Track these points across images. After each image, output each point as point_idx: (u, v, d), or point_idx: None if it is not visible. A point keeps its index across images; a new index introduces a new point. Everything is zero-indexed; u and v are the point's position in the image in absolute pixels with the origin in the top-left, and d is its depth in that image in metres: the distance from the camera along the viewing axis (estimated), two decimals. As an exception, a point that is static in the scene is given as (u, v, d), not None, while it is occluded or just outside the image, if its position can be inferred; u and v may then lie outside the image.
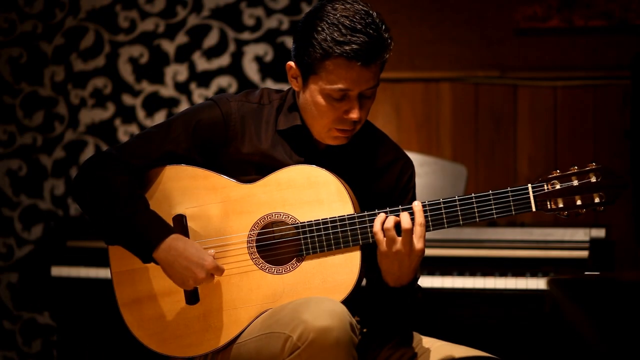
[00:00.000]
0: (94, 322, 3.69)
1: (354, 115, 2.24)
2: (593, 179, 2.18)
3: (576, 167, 2.19)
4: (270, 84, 4.29)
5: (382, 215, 2.21)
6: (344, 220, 2.23)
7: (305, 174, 2.26)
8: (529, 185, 2.20)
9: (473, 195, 2.21)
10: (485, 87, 4.10)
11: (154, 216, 2.26)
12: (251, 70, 4.33)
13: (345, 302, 2.17)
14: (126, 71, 4.40)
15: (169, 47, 4.37)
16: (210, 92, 4.35)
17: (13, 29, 4.44)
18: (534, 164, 4.04)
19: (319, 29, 2.20)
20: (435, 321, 3.23)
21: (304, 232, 2.24)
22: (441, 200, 2.22)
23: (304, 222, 2.24)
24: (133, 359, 3.07)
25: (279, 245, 2.27)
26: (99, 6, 4.40)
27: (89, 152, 4.39)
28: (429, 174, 3.67)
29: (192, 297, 2.28)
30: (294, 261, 2.25)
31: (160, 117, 4.36)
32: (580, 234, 3.29)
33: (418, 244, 2.19)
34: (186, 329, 2.28)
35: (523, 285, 3.19)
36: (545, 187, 2.19)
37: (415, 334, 2.38)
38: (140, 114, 4.39)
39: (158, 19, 4.38)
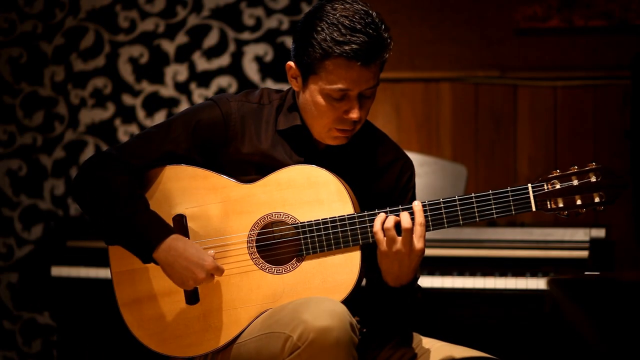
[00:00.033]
0: (94, 322, 3.69)
1: (354, 115, 2.24)
2: (593, 179, 2.17)
3: (576, 167, 2.19)
4: (270, 84, 4.29)
5: (382, 215, 2.21)
6: (344, 220, 2.23)
7: (305, 174, 2.26)
8: (529, 185, 2.20)
9: (473, 195, 2.21)
10: (485, 87, 4.10)
11: (154, 216, 2.26)
12: (251, 70, 4.33)
13: (345, 302, 2.17)
14: (126, 71, 4.40)
15: (169, 47, 4.37)
16: (210, 92, 4.35)
17: (13, 29, 4.44)
18: (534, 164, 4.04)
19: (319, 29, 2.20)
20: (435, 321, 3.23)
21: (304, 232, 2.24)
22: (441, 200, 2.22)
23: (304, 222, 2.24)
24: (133, 359, 3.07)
25: (279, 245, 2.27)
26: (99, 6, 4.40)
27: (89, 152, 4.39)
28: (429, 174, 3.67)
29: (192, 297, 2.28)
30: (294, 261, 2.25)
31: (160, 117, 4.36)
32: (580, 234, 3.29)
33: (418, 243, 2.19)
34: (186, 329, 2.28)
35: (523, 285, 3.19)
36: (545, 187, 2.19)
37: (415, 335, 2.38)
38: (140, 114, 4.39)
39: (158, 19, 4.38)
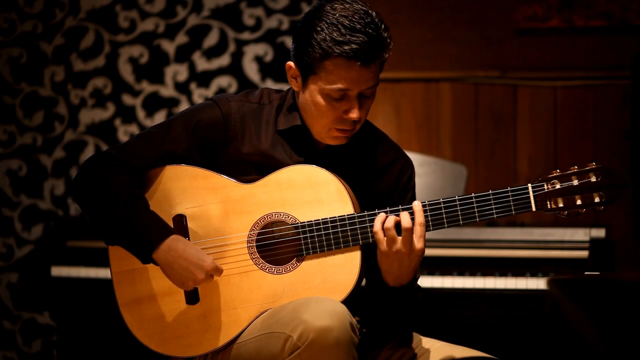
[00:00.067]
0: (94, 322, 3.69)
1: (354, 115, 2.24)
2: (593, 179, 2.17)
3: (576, 167, 2.19)
4: (270, 84, 4.29)
5: (382, 215, 2.21)
6: (344, 220, 2.23)
7: (305, 174, 2.26)
8: (529, 185, 2.20)
9: (473, 195, 2.21)
10: (485, 87, 4.10)
11: (153, 217, 2.26)
12: (251, 70, 4.33)
13: (345, 302, 2.17)
14: (126, 71, 4.40)
15: (169, 47, 4.37)
16: (210, 92, 4.35)
17: (13, 29, 4.44)
18: (534, 164, 4.04)
19: (318, 29, 2.20)
20: (435, 321, 3.23)
21: (304, 232, 2.24)
22: (441, 200, 2.22)
23: (304, 222, 2.24)
24: (133, 359, 3.07)
25: (279, 245, 2.27)
26: (99, 6, 4.40)
27: (89, 152, 4.39)
28: (429, 174, 3.67)
29: (192, 297, 2.28)
30: (294, 261, 2.25)
31: (160, 117, 4.36)
32: (580, 234, 3.29)
33: (418, 243, 2.19)
34: (186, 329, 2.28)
35: (523, 285, 3.19)
36: (545, 187, 2.19)
37: (415, 335, 2.38)
38: (140, 114, 4.39)
39: (158, 19, 4.38)
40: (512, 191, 2.20)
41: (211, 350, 2.27)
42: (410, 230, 2.19)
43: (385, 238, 2.19)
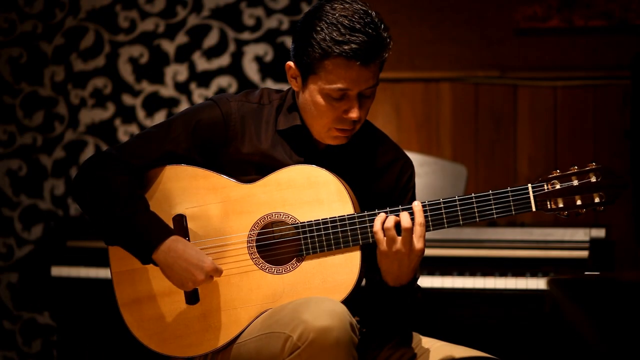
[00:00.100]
0: (94, 322, 3.69)
1: (354, 114, 2.24)
2: (593, 179, 2.17)
3: (576, 167, 2.19)
4: (270, 84, 4.29)
5: (382, 215, 2.21)
6: (344, 220, 2.23)
7: (305, 174, 2.26)
8: (529, 185, 2.20)
9: (473, 195, 2.21)
10: (485, 87, 4.10)
11: (153, 217, 2.26)
12: (251, 70, 4.33)
13: (345, 302, 2.17)
14: (126, 71, 4.40)
15: (169, 47, 4.37)
16: (210, 92, 4.35)
17: (13, 29, 4.44)
18: (534, 164, 4.04)
19: (318, 28, 2.20)
20: (435, 321, 3.23)
21: (304, 232, 2.24)
22: (441, 200, 2.22)
23: (304, 222, 2.24)
24: (133, 359, 3.07)
25: (279, 245, 2.27)
26: (99, 6, 4.40)
27: (89, 152, 4.39)
28: (429, 174, 3.67)
29: (192, 297, 2.28)
30: (294, 261, 2.25)
31: (160, 117, 4.36)
32: (580, 234, 3.29)
33: (418, 243, 2.19)
34: (186, 329, 2.28)
35: (523, 285, 3.19)
36: (545, 187, 2.19)
37: (415, 334, 2.38)
38: (140, 114, 4.39)
39: (158, 19, 4.38)
40: (512, 191, 2.20)
41: (211, 350, 2.27)
42: (410, 231, 2.19)
43: (385, 238, 2.19)
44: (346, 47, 2.18)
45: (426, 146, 4.10)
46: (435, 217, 2.22)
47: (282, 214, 2.26)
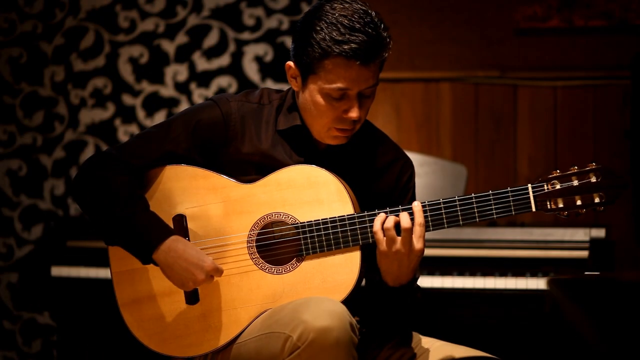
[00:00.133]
0: (94, 322, 3.69)
1: (354, 114, 2.24)
2: (593, 179, 2.17)
3: (576, 167, 2.19)
4: (270, 84, 4.29)
5: (382, 215, 2.21)
6: (343, 220, 2.23)
7: (305, 174, 2.26)
8: (529, 185, 2.20)
9: (473, 195, 2.21)
10: (485, 87, 4.10)
11: (153, 217, 2.26)
12: (251, 70, 4.33)
13: (345, 302, 2.17)
14: (126, 71, 4.40)
15: (169, 47, 4.37)
16: (210, 92, 4.35)
17: (13, 29, 4.44)
18: (534, 164, 4.04)
19: (318, 28, 2.20)
20: (435, 321, 3.23)
21: (304, 232, 2.24)
22: (441, 200, 2.22)
23: (304, 222, 2.24)
24: (133, 359, 3.07)
25: (279, 245, 2.27)
26: (99, 6, 4.40)
27: (89, 152, 4.39)
28: (429, 174, 3.67)
29: (192, 297, 2.28)
30: (293, 261, 2.25)
31: (160, 117, 4.36)
32: (580, 234, 3.29)
33: (417, 244, 2.19)
34: (186, 329, 2.28)
35: (523, 285, 3.19)
36: (545, 187, 2.19)
37: (415, 334, 2.38)
38: (140, 114, 4.39)
39: (158, 19, 4.38)
40: (512, 191, 2.20)
41: (211, 350, 2.27)
42: (410, 231, 2.19)
43: (384, 238, 2.19)
44: (346, 47, 2.18)
45: (426, 146, 4.10)
46: (435, 217, 2.22)
47: (282, 214, 2.26)
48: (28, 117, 4.42)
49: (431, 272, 3.31)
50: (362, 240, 2.22)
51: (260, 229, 2.27)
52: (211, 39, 4.35)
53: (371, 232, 2.21)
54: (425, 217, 2.21)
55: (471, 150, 4.09)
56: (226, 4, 4.34)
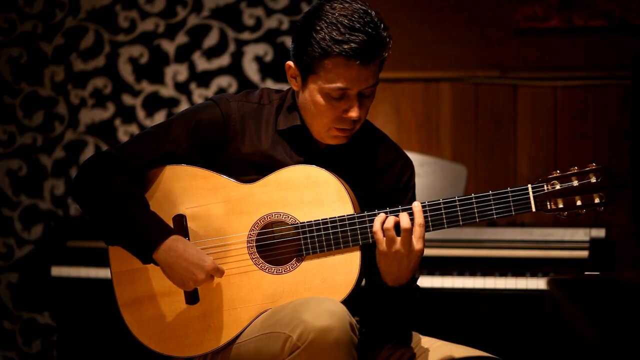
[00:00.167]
0: (94, 322, 3.69)
1: (354, 114, 2.24)
2: (593, 180, 2.17)
3: (576, 168, 2.19)
4: (270, 84, 4.29)
5: (382, 215, 2.21)
6: (343, 220, 2.23)
7: (305, 174, 2.26)
8: (529, 185, 2.19)
9: (473, 195, 2.21)
10: (485, 87, 4.10)
11: (153, 217, 2.26)
12: (251, 70, 4.33)
13: (345, 302, 2.17)
14: (126, 71, 4.40)
15: (169, 47, 4.37)
16: (210, 92, 4.35)
17: (13, 29, 4.44)
18: (534, 164, 4.04)
19: (318, 28, 2.20)
20: (435, 321, 3.23)
21: (304, 232, 2.24)
22: (441, 200, 2.22)
23: (304, 222, 2.24)
24: (133, 359, 3.07)
25: (279, 245, 2.27)
26: (99, 6, 4.40)
27: (89, 152, 4.39)
28: (429, 174, 3.67)
29: (192, 297, 2.28)
30: (293, 261, 2.25)
31: (160, 117, 4.36)
32: (580, 234, 3.29)
33: (417, 244, 2.19)
34: (186, 329, 2.28)
35: (523, 285, 3.19)
36: (545, 188, 2.19)
37: (415, 334, 2.38)
38: (140, 114, 4.39)
39: (158, 19, 4.38)
40: (512, 192, 2.20)
41: (211, 350, 2.27)
42: (410, 231, 2.19)
43: (384, 238, 2.19)
44: (346, 47, 2.18)
45: (426, 146, 4.10)
46: (435, 217, 2.22)
47: (282, 214, 2.26)
48: (28, 117, 4.43)
49: (431, 272, 3.31)
50: (362, 240, 2.22)
51: (260, 229, 2.27)
52: (211, 39, 4.35)
53: (371, 232, 2.21)
54: (425, 217, 2.21)
55: (471, 150, 4.09)
56: (226, 4, 4.34)
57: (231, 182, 2.29)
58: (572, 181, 2.18)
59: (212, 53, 4.35)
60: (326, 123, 2.26)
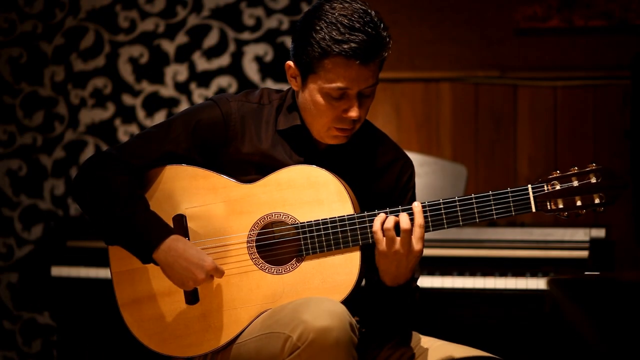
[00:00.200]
0: (94, 322, 3.69)
1: (353, 113, 2.24)
2: (593, 180, 2.17)
3: (576, 168, 2.19)
4: (270, 84, 4.29)
5: (382, 215, 2.21)
6: (343, 220, 2.23)
7: (305, 174, 2.26)
8: (529, 185, 2.20)
9: (473, 195, 2.21)
10: (485, 87, 4.10)
11: (153, 217, 2.26)
12: (251, 70, 4.33)
13: (345, 302, 2.17)
14: (126, 71, 4.40)
15: (169, 47, 4.37)
16: (210, 92, 4.35)
17: (13, 29, 4.44)
18: (534, 164, 4.04)
19: (318, 28, 2.21)
20: (435, 321, 3.23)
21: (304, 232, 2.24)
22: (441, 200, 2.22)
23: (304, 222, 2.24)
24: (133, 359, 3.07)
25: (279, 245, 2.27)
26: (99, 6, 4.40)
27: (89, 152, 4.39)
28: (429, 174, 3.67)
29: (191, 297, 2.28)
30: (293, 261, 2.25)
31: (160, 117, 4.36)
32: (580, 234, 3.29)
33: (417, 245, 2.19)
34: (186, 329, 2.28)
35: (523, 285, 3.19)
36: (545, 188, 2.19)
37: (415, 334, 2.38)
38: (140, 114, 4.39)
39: (158, 19, 4.38)
40: (512, 192, 2.20)
41: (211, 350, 2.27)
42: (409, 232, 2.19)
43: (384, 238, 2.19)
44: (345, 46, 2.18)
45: (426, 146, 4.10)
46: (435, 217, 2.22)
47: (282, 214, 2.26)
48: (28, 117, 4.43)
49: (431, 272, 3.31)
50: (362, 240, 2.22)
51: (260, 229, 2.27)
52: (211, 39, 4.35)
53: (371, 232, 2.21)
54: (425, 217, 2.21)
55: (471, 150, 4.09)
56: (226, 4, 4.34)
57: (231, 182, 2.30)
58: (572, 181, 2.18)
59: (212, 53, 4.35)
60: (326, 123, 2.26)
